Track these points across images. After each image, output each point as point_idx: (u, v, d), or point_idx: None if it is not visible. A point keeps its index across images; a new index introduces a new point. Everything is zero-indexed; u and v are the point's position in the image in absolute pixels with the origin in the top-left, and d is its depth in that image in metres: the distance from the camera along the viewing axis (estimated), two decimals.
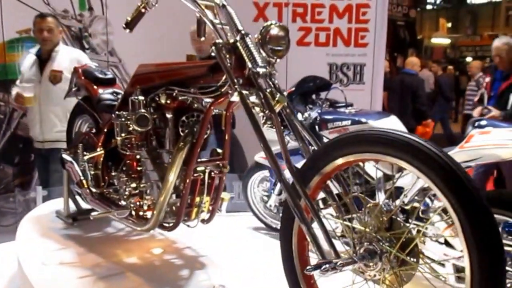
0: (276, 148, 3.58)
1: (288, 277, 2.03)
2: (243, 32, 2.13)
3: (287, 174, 3.66)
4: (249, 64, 2.05)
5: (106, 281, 2.46)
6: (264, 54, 2.05)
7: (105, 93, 3.11)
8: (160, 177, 2.51)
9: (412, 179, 2.85)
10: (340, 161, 1.83)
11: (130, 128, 2.53)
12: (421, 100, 7.25)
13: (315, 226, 1.84)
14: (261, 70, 2.03)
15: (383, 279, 1.75)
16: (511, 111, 4.86)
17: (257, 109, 2.07)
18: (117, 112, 2.56)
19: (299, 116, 3.62)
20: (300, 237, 1.99)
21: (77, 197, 3.44)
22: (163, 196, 2.38)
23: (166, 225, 2.55)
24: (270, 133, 3.76)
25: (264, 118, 2.05)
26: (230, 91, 2.18)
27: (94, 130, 3.17)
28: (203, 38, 2.43)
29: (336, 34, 5.61)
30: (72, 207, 3.42)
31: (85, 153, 2.91)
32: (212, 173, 2.50)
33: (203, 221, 2.60)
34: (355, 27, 5.64)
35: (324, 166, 1.88)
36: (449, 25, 29.20)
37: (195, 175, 2.42)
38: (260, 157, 3.98)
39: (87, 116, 3.38)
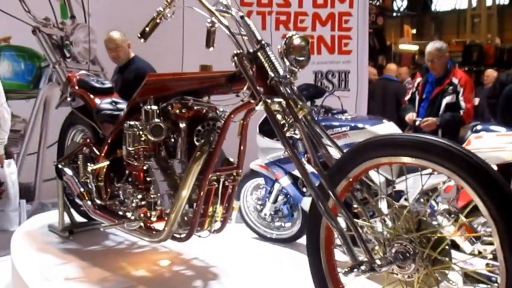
0: (274, 155, 3.61)
1: (316, 283, 2.08)
2: (263, 42, 2.21)
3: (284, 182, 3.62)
4: (271, 73, 2.13)
5: None
6: (288, 63, 2.12)
7: (104, 103, 3.11)
8: (172, 187, 2.53)
9: (413, 183, 2.95)
10: (368, 164, 1.92)
11: (142, 138, 2.56)
12: None
13: None
14: (283, 79, 2.12)
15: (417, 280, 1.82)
16: (447, 117, 5.02)
17: (279, 116, 2.14)
18: (129, 122, 2.57)
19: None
20: (327, 242, 2.05)
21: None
22: (177, 206, 2.40)
23: (178, 236, 2.58)
24: (265, 141, 3.82)
25: (287, 125, 2.12)
26: (252, 100, 2.24)
27: (91, 140, 3.17)
28: (211, 48, 2.50)
29: (320, 42, 5.72)
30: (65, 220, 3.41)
31: (89, 164, 2.90)
32: (226, 182, 2.54)
33: (214, 231, 2.63)
34: (338, 34, 5.76)
35: (352, 169, 1.95)
36: (414, 31, 29.79)
37: (209, 184, 2.46)
38: (256, 164, 4.03)
39: (82, 126, 3.38)
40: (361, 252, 1.87)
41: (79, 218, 3.47)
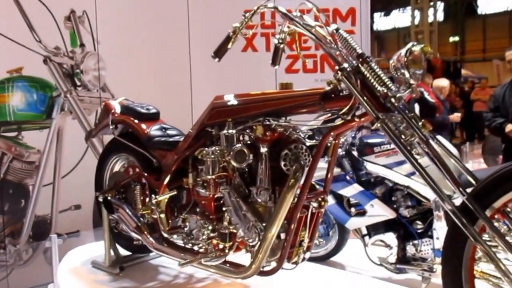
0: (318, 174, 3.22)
1: None
2: (366, 55, 1.88)
3: None
4: (382, 89, 1.80)
5: None
6: (407, 76, 1.79)
7: (155, 129, 2.72)
8: (256, 217, 2.14)
9: None
10: None
11: (221, 165, 2.18)
12: None
13: None
14: (398, 94, 1.79)
15: None
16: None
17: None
18: (207, 149, 2.19)
19: None
20: (470, 270, 1.70)
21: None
22: (269, 238, 2.03)
23: (262, 269, 2.18)
24: None
25: (408, 145, 1.78)
26: (357, 118, 1.91)
27: (142, 169, 2.75)
28: (277, 66, 2.24)
29: (323, 61, 5.42)
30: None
31: (153, 195, 2.48)
32: (313, 208, 2.18)
33: (302, 260, 2.25)
34: None
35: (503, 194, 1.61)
36: None
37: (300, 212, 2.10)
38: None
39: (125, 155, 2.96)
40: None
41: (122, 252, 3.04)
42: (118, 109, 2.92)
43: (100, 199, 2.82)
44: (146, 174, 2.66)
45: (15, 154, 4.38)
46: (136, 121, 2.80)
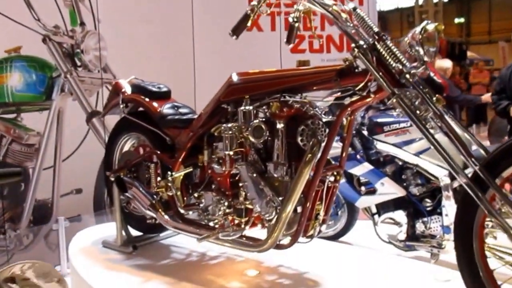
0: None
1: (469, 284, 1.91)
2: (382, 34, 2.05)
3: None
4: (398, 65, 1.98)
5: None
6: (422, 53, 1.96)
7: (168, 108, 2.87)
8: (273, 192, 2.31)
9: None
10: None
11: (238, 141, 2.35)
12: None
13: None
14: (412, 70, 1.97)
15: None
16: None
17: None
18: (225, 125, 2.36)
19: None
20: (480, 237, 1.88)
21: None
22: (286, 212, 2.19)
23: (279, 243, 2.36)
24: None
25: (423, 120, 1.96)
26: (373, 94, 2.08)
27: (155, 147, 2.92)
28: (291, 45, 2.33)
29: (329, 41, 5.57)
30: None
31: (169, 173, 2.65)
32: (329, 183, 2.35)
33: (317, 234, 2.43)
34: None
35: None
36: None
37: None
38: None
39: (136, 133, 3.12)
40: None
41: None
42: (128, 88, 3.07)
43: (112, 179, 2.98)
44: (159, 152, 2.82)
45: (14, 136, 4.51)
46: (147, 99, 2.95)
